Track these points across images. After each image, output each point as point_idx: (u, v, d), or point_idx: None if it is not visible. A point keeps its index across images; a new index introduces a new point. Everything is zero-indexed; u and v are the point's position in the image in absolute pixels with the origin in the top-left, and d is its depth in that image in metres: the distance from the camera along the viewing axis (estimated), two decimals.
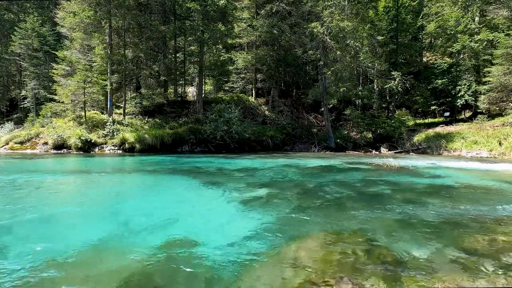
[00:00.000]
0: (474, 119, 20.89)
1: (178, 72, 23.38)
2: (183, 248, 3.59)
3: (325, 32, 19.86)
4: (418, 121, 25.41)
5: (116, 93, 21.67)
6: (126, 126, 18.43)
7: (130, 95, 23.29)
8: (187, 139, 18.78)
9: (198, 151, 18.43)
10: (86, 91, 18.76)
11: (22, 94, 27.81)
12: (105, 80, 19.12)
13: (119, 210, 5.52)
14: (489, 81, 18.73)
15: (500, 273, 2.92)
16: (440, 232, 4.09)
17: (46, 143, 17.47)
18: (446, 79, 23.42)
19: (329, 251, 3.44)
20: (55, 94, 20.39)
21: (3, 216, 4.75)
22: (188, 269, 3.08)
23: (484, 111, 20.61)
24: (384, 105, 25.73)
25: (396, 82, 21.68)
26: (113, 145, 17.18)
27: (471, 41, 20.94)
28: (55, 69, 20.77)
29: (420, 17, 25.24)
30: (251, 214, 5.07)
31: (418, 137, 19.88)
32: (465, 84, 22.04)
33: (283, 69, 25.71)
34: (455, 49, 22.21)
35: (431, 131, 20.63)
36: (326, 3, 19.70)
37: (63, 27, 23.27)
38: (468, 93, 21.71)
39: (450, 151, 17.36)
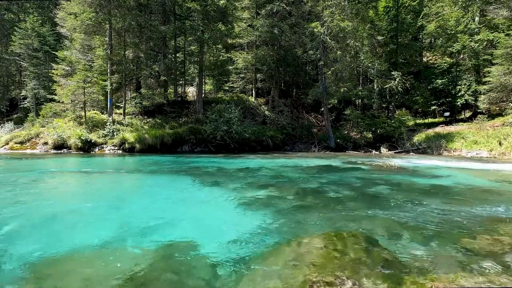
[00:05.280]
0: (474, 119, 20.88)
1: (178, 72, 23.37)
2: (183, 248, 3.59)
3: (325, 32, 19.86)
4: (418, 121, 25.40)
5: (116, 93, 21.66)
6: (126, 126, 18.43)
7: (130, 95, 23.27)
8: (187, 139, 18.77)
9: (198, 151, 18.43)
10: (86, 91, 18.74)
11: (22, 94, 27.78)
12: (105, 80, 19.12)
13: (118, 210, 5.52)
14: (489, 81, 18.72)
15: (500, 273, 2.92)
16: (440, 232, 4.09)
17: (46, 143, 17.46)
18: (446, 79, 23.43)
19: (329, 251, 3.44)
20: (55, 94, 20.37)
21: (3, 215, 4.75)
22: (188, 269, 3.08)
23: (484, 111, 20.60)
24: (384, 105, 25.73)
25: (396, 82, 21.68)
26: (113, 145, 17.18)
27: (471, 41, 20.94)
28: (55, 69, 20.76)
29: (420, 17, 25.25)
30: (251, 214, 5.07)
31: (418, 137, 19.88)
32: (465, 84, 22.04)
33: (283, 69, 25.69)
34: (455, 49, 22.21)
35: (431, 131, 20.63)
36: (326, 3, 19.70)
37: (63, 27, 23.26)
38: (468, 93, 21.72)
39: (450, 151, 17.35)
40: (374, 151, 19.80)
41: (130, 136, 17.05)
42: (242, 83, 27.13)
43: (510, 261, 3.17)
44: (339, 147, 20.84)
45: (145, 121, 19.97)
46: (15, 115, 28.80)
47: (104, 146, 17.28)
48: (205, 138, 18.87)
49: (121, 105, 20.32)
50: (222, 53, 25.99)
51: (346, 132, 23.15)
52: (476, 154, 15.99)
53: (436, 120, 25.12)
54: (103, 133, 17.69)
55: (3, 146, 18.27)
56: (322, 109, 22.87)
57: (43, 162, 13.00)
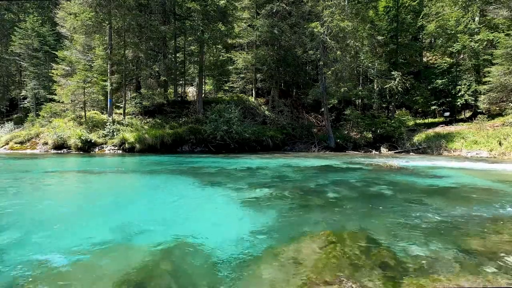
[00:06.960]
0: (474, 119, 20.88)
1: (178, 72, 23.37)
2: (183, 248, 3.59)
3: (325, 32, 19.85)
4: (418, 121, 25.40)
5: (116, 93, 21.66)
6: (126, 126, 18.43)
7: (130, 95, 23.27)
8: (187, 139, 18.77)
9: (198, 151, 18.43)
10: (86, 91, 18.75)
11: (22, 94, 27.77)
12: (105, 80, 19.11)
13: (119, 210, 5.52)
14: (489, 81, 18.72)
15: (500, 273, 2.92)
16: (440, 232, 4.09)
17: (46, 143, 17.46)
18: (446, 79, 23.42)
19: (329, 251, 3.43)
20: (55, 94, 20.38)
21: (4, 215, 4.75)
22: (188, 269, 3.08)
23: (484, 111, 20.60)
24: (384, 105, 25.72)
25: (396, 82, 21.68)
26: (113, 145, 17.18)
27: (471, 41, 20.94)
28: (55, 69, 20.76)
29: (420, 17, 25.25)
30: (251, 214, 5.07)
31: (418, 137, 19.87)
32: (465, 84, 22.03)
33: (283, 69, 25.69)
34: (455, 49, 22.21)
35: (431, 131, 20.62)
36: (326, 3, 19.70)
37: (63, 27, 23.26)
38: (468, 93, 21.71)
39: (450, 151, 17.35)
40: (374, 151, 19.80)
41: (130, 136, 17.05)
42: (242, 83, 27.12)
43: (510, 261, 3.17)
44: (339, 147, 20.83)
45: (145, 121, 19.97)
46: (15, 115, 28.79)
47: (104, 146, 17.27)
48: (205, 138, 18.86)
49: (121, 105, 20.32)
50: (222, 53, 25.99)
51: (346, 132, 23.14)
52: (476, 154, 15.99)
53: (436, 120, 25.12)
54: (103, 133, 17.69)
55: (3, 146, 18.27)
56: (322, 109, 22.87)
57: (42, 162, 13.00)
